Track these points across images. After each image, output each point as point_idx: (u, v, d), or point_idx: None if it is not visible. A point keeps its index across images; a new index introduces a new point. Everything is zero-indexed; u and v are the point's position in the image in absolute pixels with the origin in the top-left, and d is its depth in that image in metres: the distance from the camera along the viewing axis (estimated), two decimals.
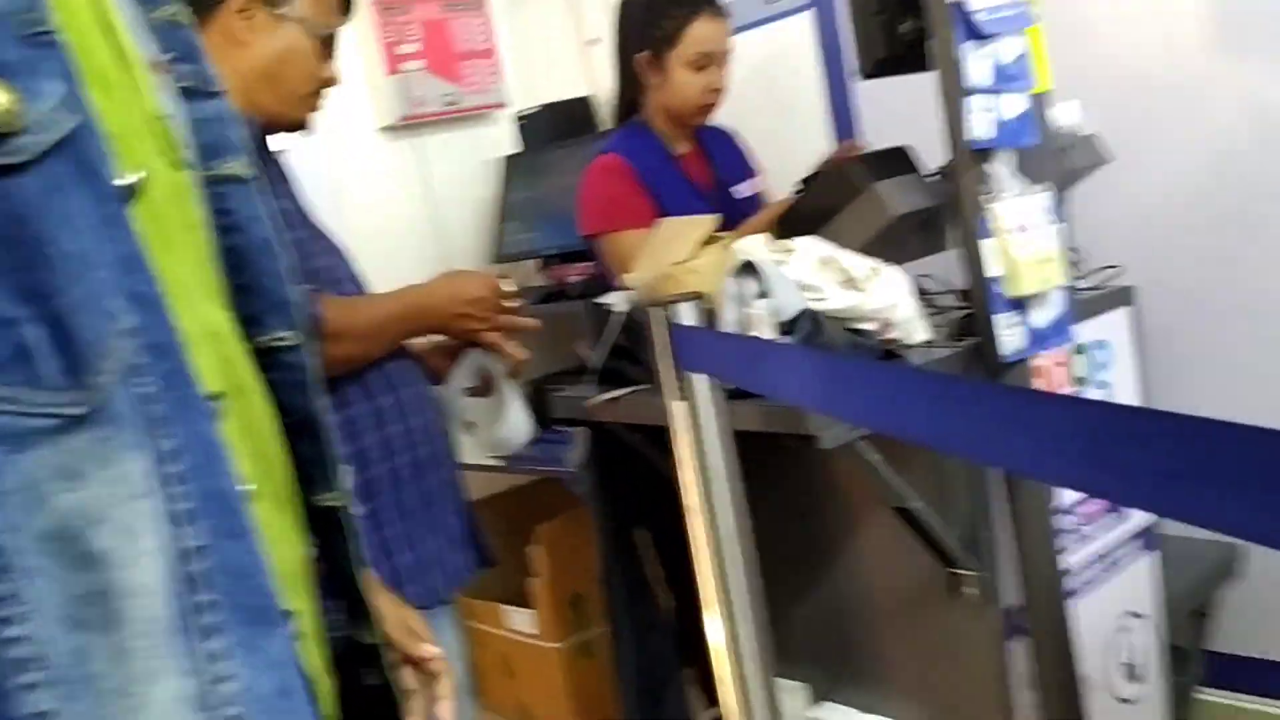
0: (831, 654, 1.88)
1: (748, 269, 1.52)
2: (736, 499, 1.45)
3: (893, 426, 0.91)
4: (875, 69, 1.72)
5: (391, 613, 0.92)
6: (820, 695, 1.91)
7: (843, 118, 2.68)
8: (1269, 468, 0.49)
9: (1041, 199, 1.54)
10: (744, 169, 2.37)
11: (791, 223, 1.76)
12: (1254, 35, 2.04)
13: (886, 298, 1.50)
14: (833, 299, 1.50)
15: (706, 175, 2.30)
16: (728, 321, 1.51)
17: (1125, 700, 1.94)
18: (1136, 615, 1.98)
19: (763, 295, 1.50)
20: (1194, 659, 2.24)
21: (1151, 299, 2.02)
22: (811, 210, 1.72)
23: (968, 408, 0.76)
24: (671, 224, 1.72)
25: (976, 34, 1.50)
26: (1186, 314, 2.16)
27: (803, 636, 1.90)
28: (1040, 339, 1.56)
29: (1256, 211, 2.07)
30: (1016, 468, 1.30)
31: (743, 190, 2.32)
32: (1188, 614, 2.18)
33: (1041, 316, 1.56)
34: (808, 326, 1.47)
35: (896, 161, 1.77)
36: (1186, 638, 2.21)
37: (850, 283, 1.53)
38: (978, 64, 1.51)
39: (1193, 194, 2.13)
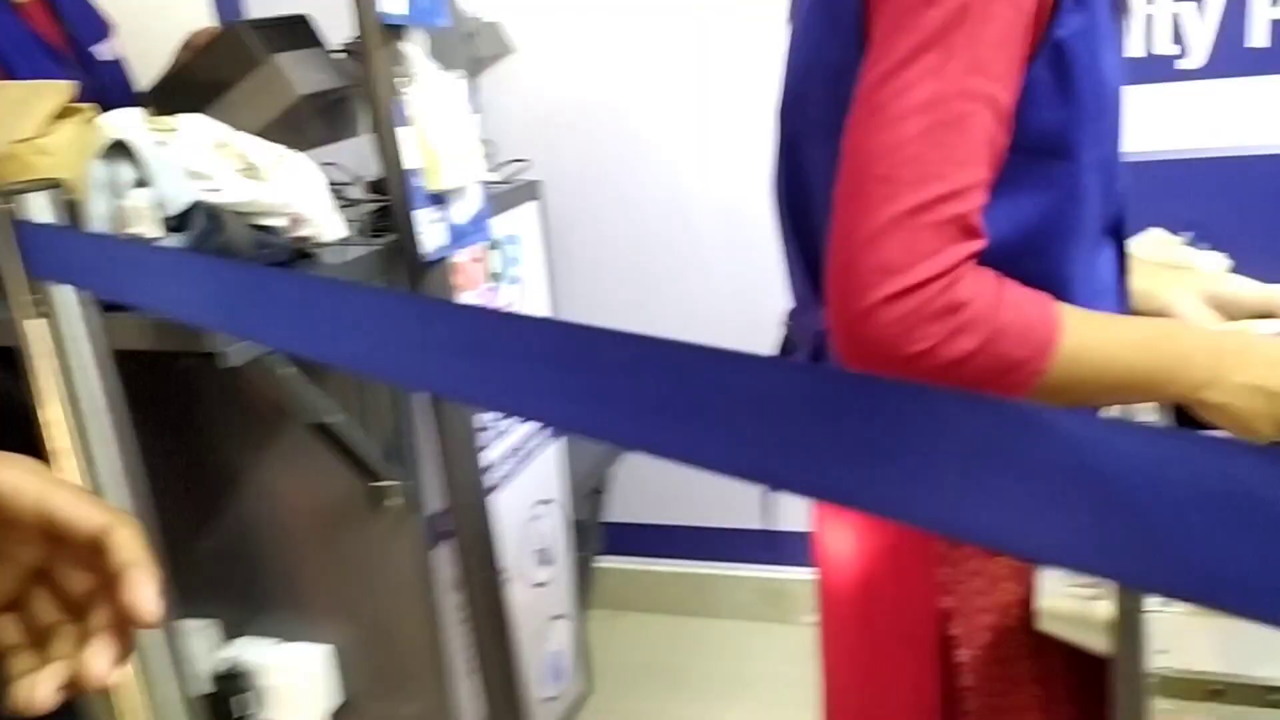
0: (245, 586, 1.70)
1: (120, 151, 1.24)
2: (121, 434, 1.20)
3: (309, 349, 0.76)
4: None
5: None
6: (233, 631, 1.73)
7: None
8: (654, 381, 0.50)
9: (459, 86, 1.44)
10: (97, 26, 1.98)
11: (172, 95, 1.49)
12: None
13: (294, 189, 1.32)
14: (231, 190, 1.29)
15: (56, 31, 1.88)
16: (96, 217, 1.23)
17: (539, 584, 2.02)
18: (546, 501, 2.05)
19: (141, 184, 1.24)
20: (594, 533, 2.40)
21: (552, 192, 2.07)
22: (198, 82, 1.46)
23: (394, 327, 0.65)
24: (11, 90, 1.36)
25: None
26: (584, 206, 2.24)
27: (210, 572, 1.69)
28: (461, 235, 1.48)
29: (648, 107, 2.18)
30: (446, 392, 1.22)
31: (103, 52, 1.94)
32: (587, 492, 2.33)
33: (461, 212, 1.48)
34: (202, 223, 1.24)
35: (296, 33, 1.57)
36: (586, 514, 2.37)
37: (251, 171, 1.32)
38: None
39: (588, 90, 2.20)
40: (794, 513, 0.99)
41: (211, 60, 1.48)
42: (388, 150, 1.39)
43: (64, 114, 1.28)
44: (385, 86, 1.38)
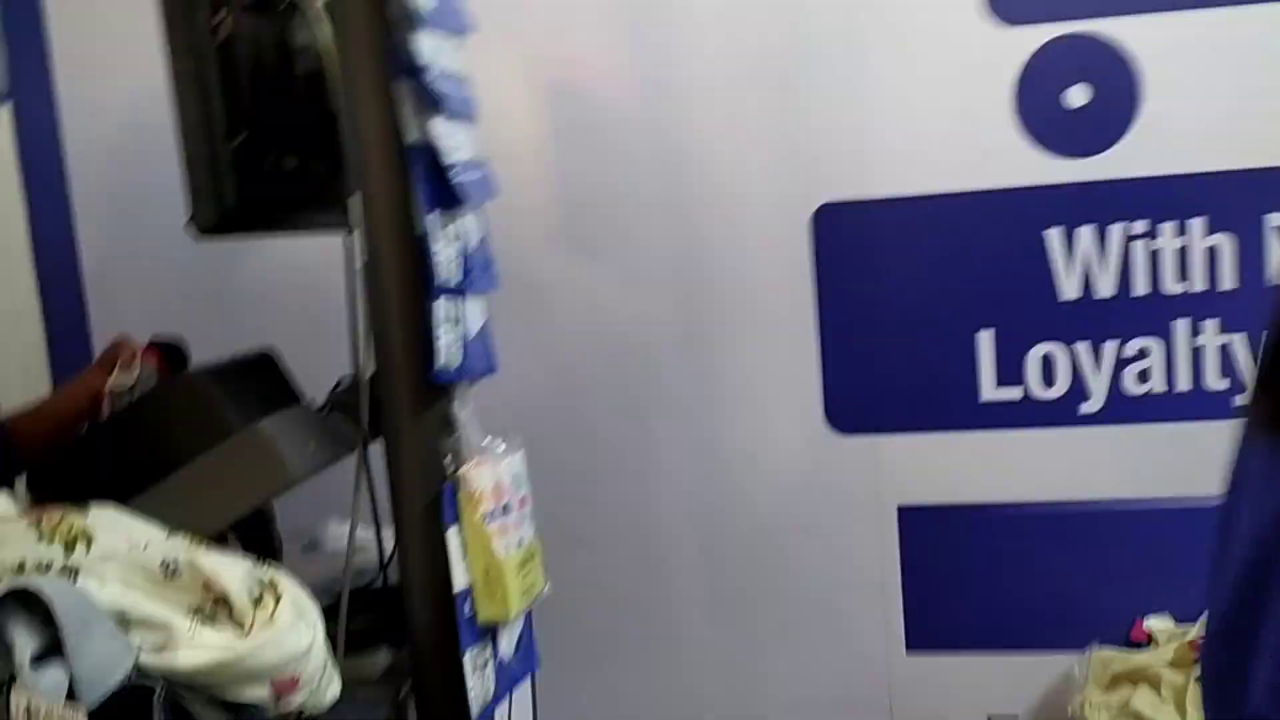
0: None
1: (13, 602, 0.81)
2: None
3: None
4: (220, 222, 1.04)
5: None
6: None
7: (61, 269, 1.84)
8: None
9: (516, 455, 1.01)
10: None
11: (66, 475, 1.04)
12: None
13: (285, 636, 0.87)
14: (189, 648, 0.84)
15: None
16: None
17: None
18: None
19: (43, 654, 0.80)
20: None
21: None
22: (118, 456, 1.01)
23: None
24: None
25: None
26: None
27: None
28: (510, 679, 1.01)
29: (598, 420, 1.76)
30: None
31: None
32: None
33: (508, 643, 1.02)
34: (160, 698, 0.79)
35: (260, 376, 1.13)
36: None
37: (214, 610, 0.88)
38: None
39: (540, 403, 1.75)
40: None
41: (146, 424, 1.02)
42: (422, 566, 0.95)
43: None
44: (424, 473, 0.96)
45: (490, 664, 0.96)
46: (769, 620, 1.74)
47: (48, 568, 0.86)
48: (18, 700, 0.73)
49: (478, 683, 0.94)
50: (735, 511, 1.74)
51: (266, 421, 0.96)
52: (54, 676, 0.76)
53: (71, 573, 0.85)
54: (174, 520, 0.92)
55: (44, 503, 0.93)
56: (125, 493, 0.94)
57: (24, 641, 0.76)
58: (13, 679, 0.75)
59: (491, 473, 0.95)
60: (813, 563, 1.72)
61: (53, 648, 0.78)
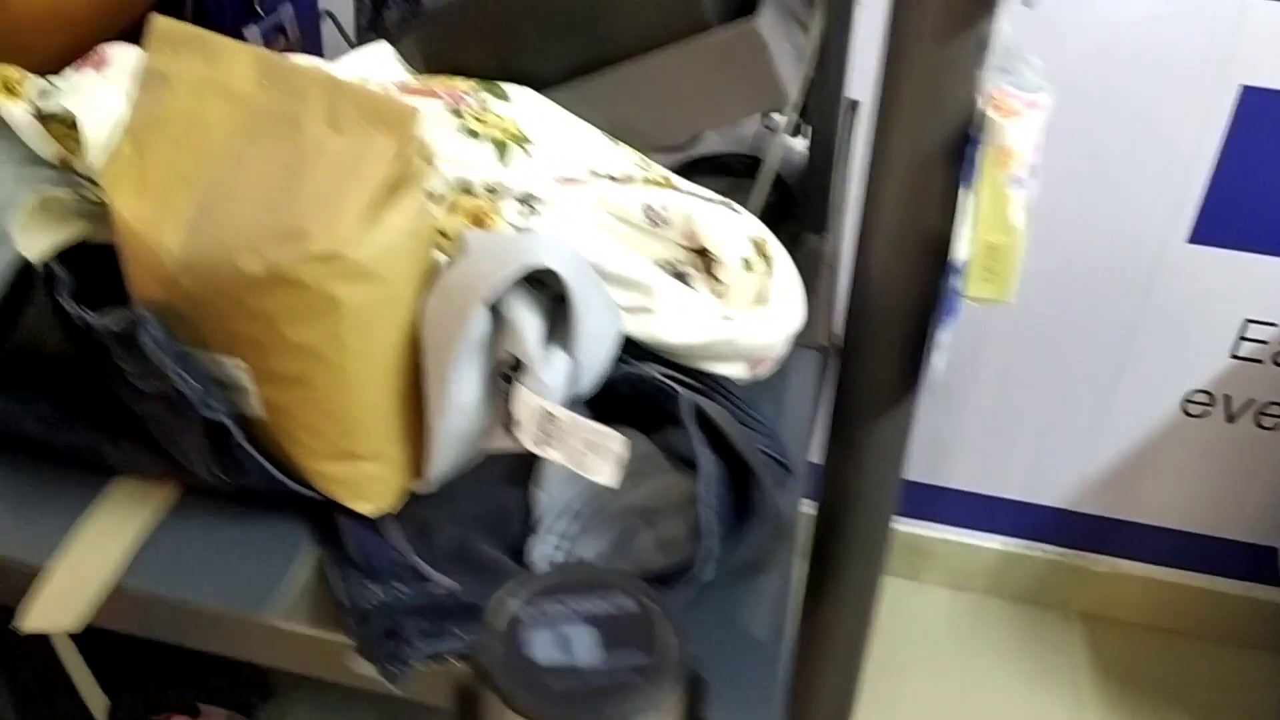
0: None
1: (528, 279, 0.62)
2: None
3: None
4: None
5: None
6: None
7: None
8: None
9: (1051, 97, 0.77)
10: None
11: (464, 38, 0.77)
12: None
13: (784, 318, 0.70)
14: (678, 317, 0.68)
15: None
16: (454, 429, 0.62)
17: None
18: None
19: (555, 338, 0.63)
20: None
21: None
22: (524, 26, 0.75)
23: None
24: (325, 135, 0.64)
25: None
26: None
27: None
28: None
29: None
30: None
31: None
32: None
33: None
34: (690, 411, 0.63)
35: None
36: None
37: (694, 262, 0.70)
38: None
39: None
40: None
41: None
42: (931, 230, 0.75)
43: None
44: (932, 104, 0.73)
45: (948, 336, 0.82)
46: (1052, 175, 1.57)
47: (495, 193, 0.67)
48: (528, 403, 0.59)
49: (940, 359, 0.80)
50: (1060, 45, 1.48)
51: (758, 18, 0.71)
52: (558, 366, 0.62)
53: (528, 203, 0.67)
54: (615, 127, 0.71)
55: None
56: (542, 79, 0.72)
57: (530, 320, 0.61)
58: (516, 369, 0.61)
59: (1031, 124, 0.72)
60: (1121, 129, 1.51)
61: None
